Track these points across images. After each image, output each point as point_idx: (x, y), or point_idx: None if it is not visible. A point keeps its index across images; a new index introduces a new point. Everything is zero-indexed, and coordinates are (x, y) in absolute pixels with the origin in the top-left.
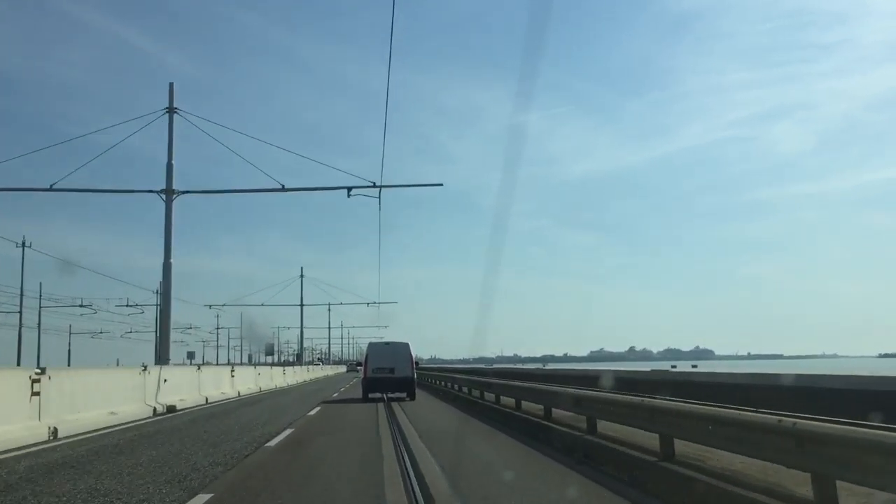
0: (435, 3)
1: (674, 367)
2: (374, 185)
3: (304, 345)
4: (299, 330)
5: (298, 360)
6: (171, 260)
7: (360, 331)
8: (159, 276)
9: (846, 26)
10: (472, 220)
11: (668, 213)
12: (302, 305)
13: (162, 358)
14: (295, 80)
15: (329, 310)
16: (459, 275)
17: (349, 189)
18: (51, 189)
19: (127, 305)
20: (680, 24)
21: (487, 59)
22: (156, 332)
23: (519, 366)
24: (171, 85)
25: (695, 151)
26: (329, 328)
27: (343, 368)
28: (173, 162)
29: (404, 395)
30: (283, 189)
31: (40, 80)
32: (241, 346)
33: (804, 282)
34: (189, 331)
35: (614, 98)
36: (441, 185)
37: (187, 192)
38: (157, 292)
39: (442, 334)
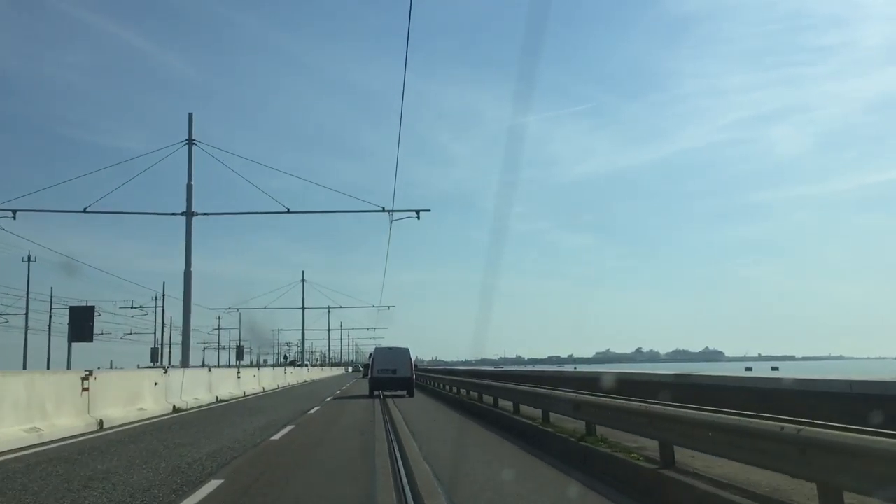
0: (436, 5)
1: (748, 369)
2: (384, 210)
3: (302, 346)
4: (301, 332)
5: (280, 361)
6: (191, 269)
7: (361, 337)
8: (158, 279)
9: (844, 29)
10: (473, 222)
11: (667, 215)
12: (303, 308)
13: (184, 362)
14: (295, 81)
15: (329, 313)
16: (461, 276)
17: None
18: (84, 211)
19: (132, 307)
20: (679, 28)
21: (488, 61)
22: (154, 333)
23: (530, 367)
24: (190, 115)
25: (693, 153)
26: (328, 330)
27: (338, 371)
28: (192, 183)
29: (404, 392)
30: (288, 212)
31: (39, 82)
32: (242, 346)
33: (802, 283)
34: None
35: (614, 100)
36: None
37: (205, 213)
38: (156, 298)
39: (443, 336)
